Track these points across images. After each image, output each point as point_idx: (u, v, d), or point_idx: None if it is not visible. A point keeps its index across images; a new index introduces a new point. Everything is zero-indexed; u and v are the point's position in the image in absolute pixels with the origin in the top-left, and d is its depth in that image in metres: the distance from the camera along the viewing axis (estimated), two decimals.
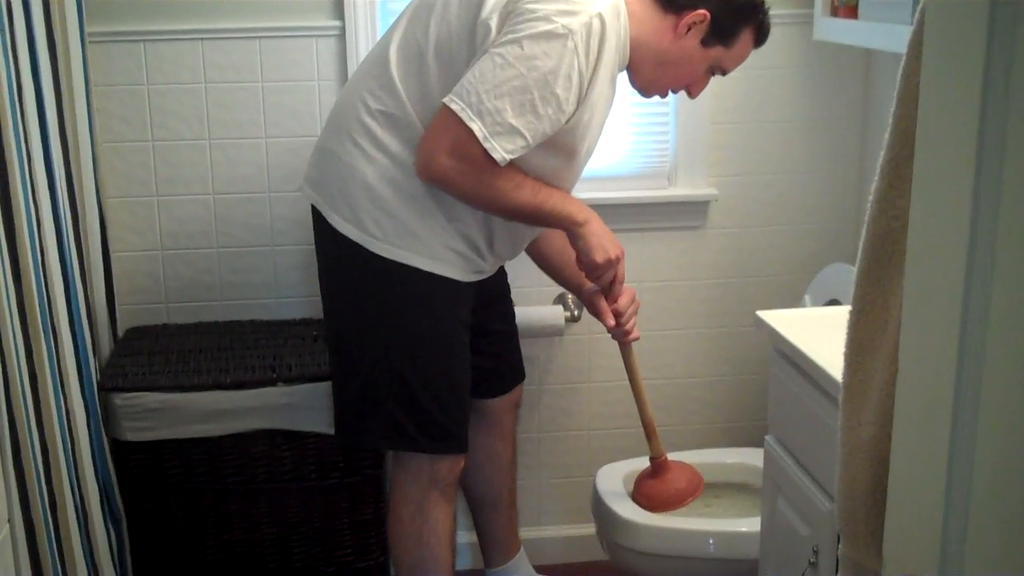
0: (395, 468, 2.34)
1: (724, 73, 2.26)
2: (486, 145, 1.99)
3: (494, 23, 2.03)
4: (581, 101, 2.05)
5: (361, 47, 2.65)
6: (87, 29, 2.50)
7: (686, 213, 2.88)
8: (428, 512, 2.30)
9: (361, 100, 2.16)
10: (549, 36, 1.97)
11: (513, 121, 1.99)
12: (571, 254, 2.31)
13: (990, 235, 0.87)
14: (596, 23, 2.01)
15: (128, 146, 2.68)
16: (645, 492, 2.51)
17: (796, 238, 2.93)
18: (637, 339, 2.44)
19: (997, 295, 0.87)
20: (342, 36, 2.66)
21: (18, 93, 2.00)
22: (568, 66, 1.99)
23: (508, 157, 2.01)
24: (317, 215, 2.23)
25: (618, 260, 2.25)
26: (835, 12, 2.52)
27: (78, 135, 2.41)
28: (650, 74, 2.21)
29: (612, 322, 2.38)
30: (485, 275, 2.28)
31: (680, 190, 2.86)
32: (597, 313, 2.42)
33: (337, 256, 2.22)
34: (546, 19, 1.97)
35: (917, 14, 1.11)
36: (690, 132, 2.83)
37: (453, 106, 1.99)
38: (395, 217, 2.13)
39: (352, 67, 2.65)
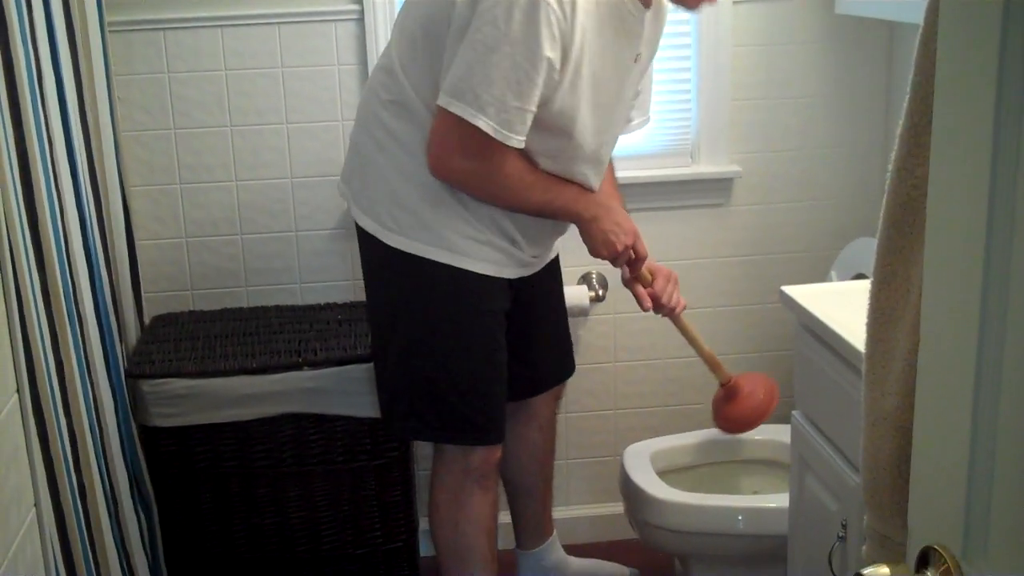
0: (434, 456, 2.35)
1: None
2: (499, 137, 1.95)
3: (461, 2, 1.95)
4: (565, 60, 1.96)
5: (380, 31, 2.65)
6: (107, 18, 2.50)
7: (709, 191, 2.87)
8: (463, 501, 2.30)
9: (374, 92, 2.16)
10: (519, 5, 1.88)
11: (515, 103, 1.93)
12: None
13: (1010, 202, 0.86)
14: None
15: (150, 135, 2.69)
16: (728, 416, 2.51)
17: (821, 213, 2.91)
18: (684, 308, 2.41)
19: (1017, 261, 0.86)
20: (361, 20, 2.66)
21: (39, 83, 2.01)
22: (546, 22, 1.89)
23: (522, 138, 1.97)
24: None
25: (625, 250, 2.21)
26: None
27: (99, 124, 2.42)
28: None
29: (648, 305, 2.35)
30: (530, 268, 2.26)
31: (703, 168, 2.85)
32: (637, 297, 2.39)
33: (365, 250, 2.24)
34: None
35: None
36: (712, 109, 2.81)
37: (453, 108, 1.94)
38: (410, 210, 2.12)
39: (372, 51, 2.65)
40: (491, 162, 2.01)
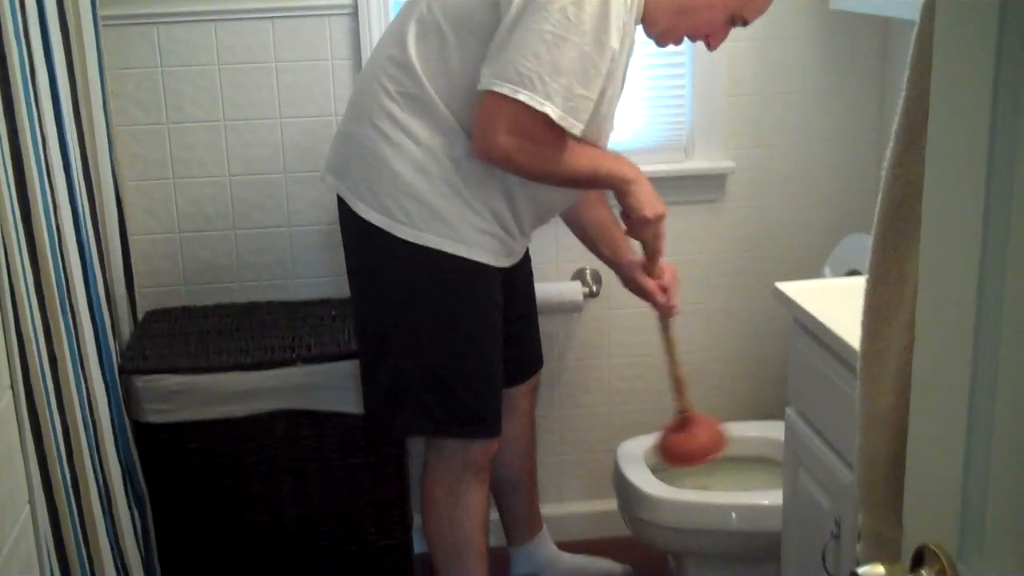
0: (428, 451, 2.34)
1: (745, 23, 2.18)
2: (564, 124, 1.98)
3: None
4: (620, 50, 2.03)
5: (374, 25, 2.64)
6: (100, 12, 2.50)
7: (703, 186, 2.86)
8: (461, 494, 2.30)
9: (379, 83, 2.14)
10: None
11: (582, 91, 1.97)
12: (611, 229, 2.37)
13: (1006, 200, 0.86)
14: None
15: (143, 129, 2.69)
16: (667, 446, 2.50)
17: (815, 209, 2.91)
18: (680, 311, 2.43)
19: (1013, 259, 0.86)
20: (355, 14, 2.65)
21: (32, 77, 2.00)
22: (615, 15, 1.96)
23: (583, 125, 2.01)
24: (342, 203, 2.21)
25: (664, 216, 2.23)
26: None
27: (93, 118, 2.42)
28: (666, 22, 2.14)
29: (661, 298, 2.37)
30: (516, 258, 2.28)
31: (697, 163, 2.84)
32: (639, 289, 2.40)
33: (364, 244, 2.20)
34: None
35: None
36: (706, 104, 2.81)
37: (521, 97, 1.94)
38: (421, 201, 2.11)
39: (365, 45, 2.65)
40: (543, 139, 2.02)
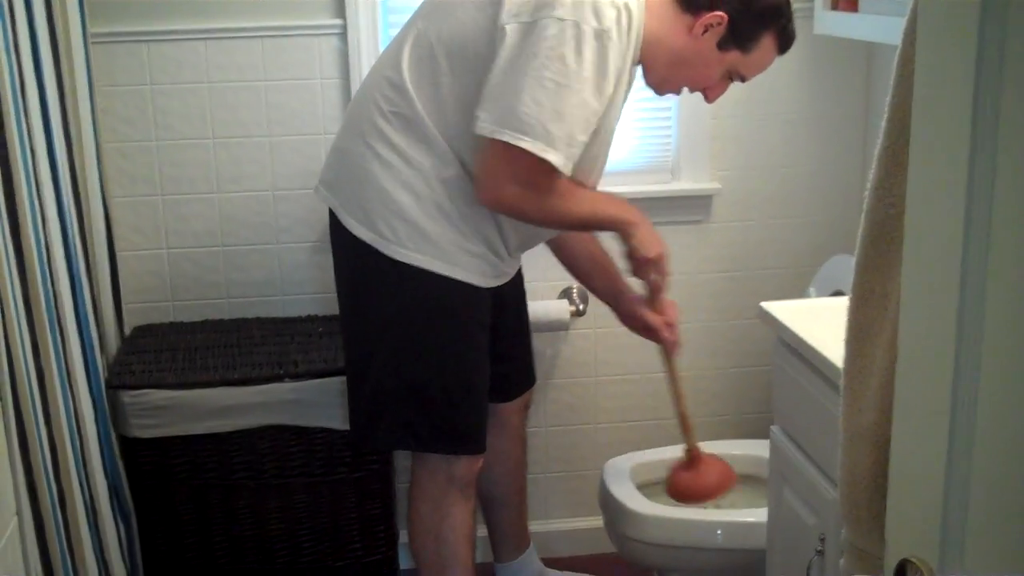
0: (414, 465, 2.35)
1: (743, 80, 2.21)
2: (564, 170, 2.00)
3: (512, 28, 1.98)
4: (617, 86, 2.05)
5: (363, 45, 2.66)
6: (90, 30, 2.51)
7: (689, 207, 2.88)
8: (446, 510, 2.31)
9: (374, 102, 2.15)
10: (587, 40, 1.94)
11: (581, 137, 2.00)
12: (604, 263, 2.39)
13: (985, 221, 0.88)
14: (624, 14, 1.99)
15: (132, 146, 2.69)
16: (676, 484, 2.49)
17: (800, 231, 2.93)
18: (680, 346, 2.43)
19: (993, 280, 0.87)
20: (344, 34, 2.67)
21: (21, 93, 2.01)
22: (612, 62, 1.98)
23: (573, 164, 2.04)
24: (333, 216, 2.23)
25: (665, 255, 2.25)
26: (836, 5, 2.51)
27: (82, 135, 2.42)
28: (663, 72, 2.17)
29: (668, 335, 2.36)
30: (505, 278, 2.29)
31: (683, 184, 2.86)
32: (642, 325, 2.38)
33: (351, 258, 2.22)
34: (577, 24, 1.94)
35: (912, 2, 1.12)
36: (693, 126, 2.83)
37: (524, 144, 1.95)
38: (409, 221, 2.12)
39: (354, 65, 2.66)
40: (547, 187, 2.05)
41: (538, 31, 1.95)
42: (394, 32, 2.65)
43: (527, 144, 1.95)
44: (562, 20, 1.94)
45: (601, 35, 1.95)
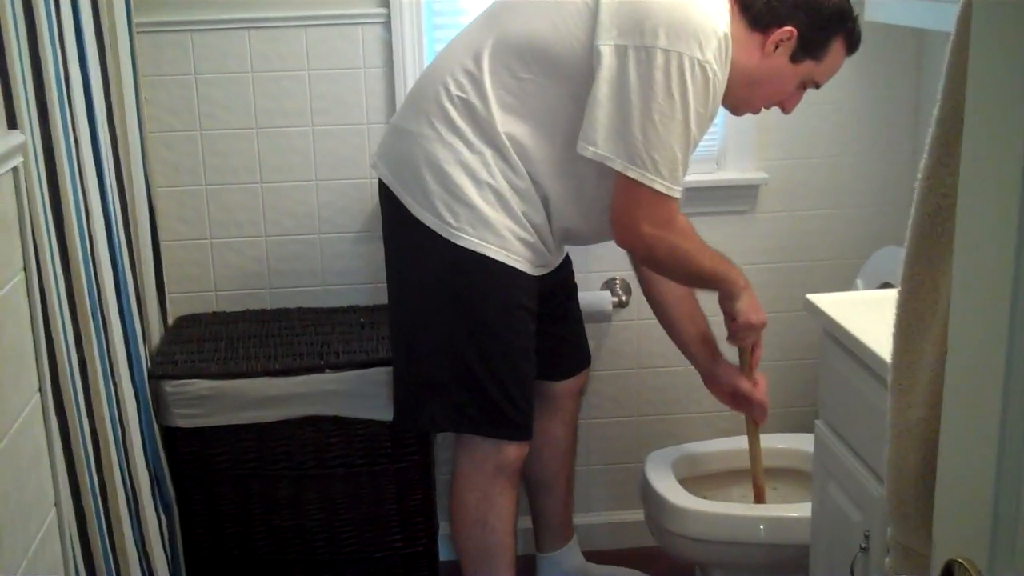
0: (459, 455, 2.35)
1: (817, 86, 2.24)
2: (670, 193, 2.07)
3: (608, 51, 2.03)
4: None
5: (407, 34, 2.65)
6: (135, 20, 2.51)
7: (735, 197, 2.85)
8: (493, 499, 2.31)
9: (443, 84, 2.17)
10: (694, 73, 2.00)
11: (683, 158, 2.08)
12: (704, 327, 2.44)
13: None
14: (724, 43, 2.04)
15: (176, 136, 2.70)
16: None
17: (847, 221, 2.89)
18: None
19: None
20: (388, 23, 2.66)
21: (66, 84, 2.02)
22: (714, 91, 2.05)
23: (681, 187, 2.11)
24: (387, 194, 2.24)
25: (766, 324, 2.31)
26: None
27: (126, 125, 2.43)
28: (741, 93, 2.18)
29: (761, 408, 2.42)
30: (550, 268, 2.31)
31: (729, 174, 2.84)
32: (734, 393, 2.43)
33: (407, 239, 2.23)
34: (681, 56, 1.99)
35: None
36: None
37: (631, 174, 2.04)
38: (469, 205, 2.14)
39: (398, 54, 2.66)
40: (670, 223, 2.12)
41: (645, 60, 2.00)
42: (439, 21, 2.67)
43: (634, 174, 2.04)
44: (667, 52, 1.99)
45: (705, 67, 2.01)
